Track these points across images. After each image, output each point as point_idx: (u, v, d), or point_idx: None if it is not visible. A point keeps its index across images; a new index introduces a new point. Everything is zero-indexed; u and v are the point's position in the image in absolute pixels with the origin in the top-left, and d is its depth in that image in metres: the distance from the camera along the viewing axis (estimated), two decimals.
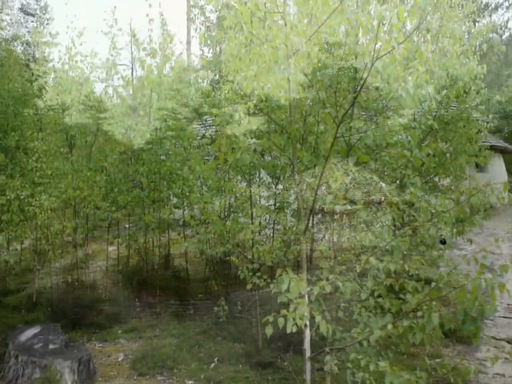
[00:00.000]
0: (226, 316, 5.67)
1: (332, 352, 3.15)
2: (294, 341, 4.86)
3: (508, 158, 29.49)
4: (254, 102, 3.94)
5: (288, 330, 2.52)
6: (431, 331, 2.60)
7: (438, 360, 5.25)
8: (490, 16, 42.27)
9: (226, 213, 6.26)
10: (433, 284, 2.77)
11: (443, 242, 11.06)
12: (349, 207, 3.85)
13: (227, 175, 6.20)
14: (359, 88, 3.13)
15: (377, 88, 3.62)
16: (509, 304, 7.54)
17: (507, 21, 41.83)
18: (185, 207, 7.56)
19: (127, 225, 8.40)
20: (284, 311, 2.51)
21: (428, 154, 3.51)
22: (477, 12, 7.52)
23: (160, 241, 7.62)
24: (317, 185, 3.18)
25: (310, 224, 5.98)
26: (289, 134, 3.42)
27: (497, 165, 28.85)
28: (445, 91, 4.08)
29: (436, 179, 7.98)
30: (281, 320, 2.60)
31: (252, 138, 3.48)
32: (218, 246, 5.48)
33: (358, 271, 3.11)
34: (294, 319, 2.44)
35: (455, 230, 6.77)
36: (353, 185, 3.60)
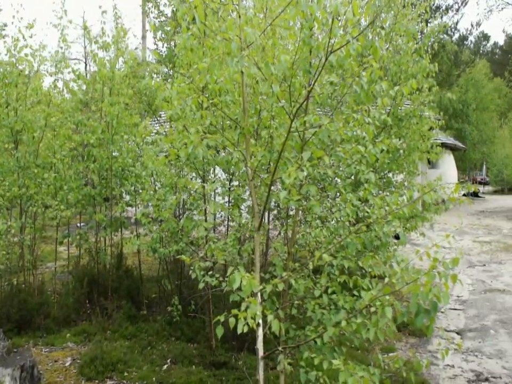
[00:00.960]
0: (179, 315, 5.51)
1: (285, 351, 3.09)
2: (249, 339, 4.79)
3: (457, 155, 30.88)
4: (207, 95, 3.81)
5: (239, 331, 2.42)
6: (384, 326, 2.59)
7: (391, 354, 5.35)
8: (441, 17, 43.88)
9: (180, 211, 6.07)
10: (386, 280, 2.75)
11: (397, 237, 11.47)
12: (304, 203, 3.80)
13: (181, 172, 6.02)
14: (313, 82, 3.07)
15: (332, 83, 3.58)
16: (458, 296, 7.84)
17: (457, 23, 43.66)
18: (139, 205, 7.30)
19: (79, 224, 8.02)
20: (235, 311, 2.41)
21: (382, 150, 3.49)
22: (429, 13, 7.65)
23: (113, 240, 7.33)
24: (270, 181, 3.10)
25: (266, 221, 5.95)
26: (242, 129, 3.32)
27: (448, 162, 30.16)
28: (397, 87, 4.09)
29: (390, 175, 8.16)
30: (232, 320, 2.50)
31: (204, 133, 3.34)
32: (171, 244, 5.31)
33: (311, 268, 3.05)
34: (245, 319, 2.35)
35: (408, 225, 6.97)
36: (308, 181, 3.55)
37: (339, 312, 2.92)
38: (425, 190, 3.15)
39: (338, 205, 3.61)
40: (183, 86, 3.86)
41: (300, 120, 3.09)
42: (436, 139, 27.01)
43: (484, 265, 10.29)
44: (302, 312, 3.35)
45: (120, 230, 7.32)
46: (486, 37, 73.17)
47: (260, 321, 2.97)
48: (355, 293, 3.01)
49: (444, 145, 28.82)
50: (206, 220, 4.96)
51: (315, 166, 3.17)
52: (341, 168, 3.89)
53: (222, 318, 2.65)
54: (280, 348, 2.98)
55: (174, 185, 5.27)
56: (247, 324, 2.45)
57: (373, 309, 2.58)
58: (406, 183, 8.15)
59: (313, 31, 3.45)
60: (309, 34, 3.24)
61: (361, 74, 3.41)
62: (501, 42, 68.54)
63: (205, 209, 4.88)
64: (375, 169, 6.88)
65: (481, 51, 66.20)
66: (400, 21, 6.81)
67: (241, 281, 2.44)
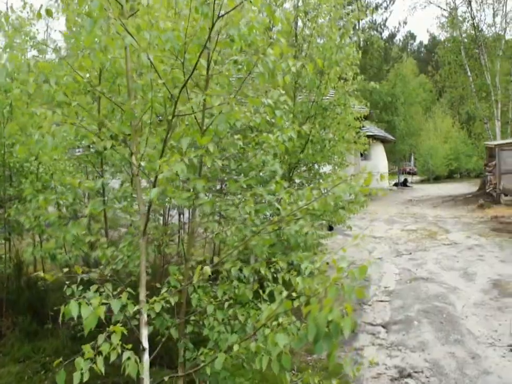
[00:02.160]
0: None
1: (176, 378, 2.60)
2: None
3: (387, 147, 32.07)
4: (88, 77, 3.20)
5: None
6: (278, 356, 2.14)
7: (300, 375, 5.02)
8: (372, 15, 45.45)
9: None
10: (286, 293, 2.34)
11: (330, 228, 11.46)
12: (206, 198, 3.31)
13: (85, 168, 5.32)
14: (198, 55, 2.58)
15: (236, 62, 3.10)
16: (385, 287, 7.81)
17: (386, 20, 45.43)
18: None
19: None
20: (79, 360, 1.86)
21: (290, 138, 3.08)
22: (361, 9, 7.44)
23: (11, 247, 6.42)
24: (155, 176, 2.57)
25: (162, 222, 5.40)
26: (125, 113, 2.76)
27: (379, 153, 31.23)
28: (301, 63, 3.72)
29: (317, 167, 7.93)
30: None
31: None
32: (73, 250, 4.63)
33: (207, 277, 2.58)
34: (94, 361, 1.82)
35: (333, 219, 6.75)
36: (208, 174, 3.08)
37: (239, 331, 2.48)
38: (336, 182, 2.79)
39: (243, 201, 3.16)
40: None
41: (190, 102, 2.59)
42: (367, 131, 27.82)
43: (410, 253, 10.47)
44: (199, 329, 2.88)
45: (21, 235, 6.44)
46: (412, 36, 77.61)
47: (146, 344, 2.46)
48: (259, 304, 2.58)
49: (375, 137, 29.81)
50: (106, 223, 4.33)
51: (210, 156, 2.70)
52: (250, 160, 3.45)
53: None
54: (166, 378, 2.48)
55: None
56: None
57: (267, 331, 2.14)
58: (334, 176, 7.96)
59: None
60: (201, 1, 2.74)
61: (268, 51, 2.97)
62: (426, 42, 72.66)
63: (104, 210, 4.23)
64: (299, 161, 6.59)
65: (408, 49, 69.90)
66: (324, 5, 6.52)
67: (79, 310, 1.86)
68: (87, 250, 4.36)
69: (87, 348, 1.86)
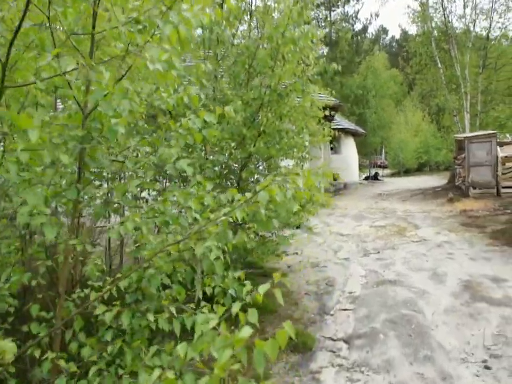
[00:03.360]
0: None
1: None
2: None
3: (358, 141, 31.75)
4: None
5: None
6: None
7: None
8: (343, 6, 45.00)
9: None
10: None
11: (298, 226, 10.84)
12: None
13: None
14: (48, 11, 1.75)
15: (137, 20, 2.27)
16: (350, 292, 7.17)
17: (357, 12, 45.09)
18: None
19: None
20: None
21: (205, 123, 2.28)
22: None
23: None
24: None
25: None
26: None
27: (350, 147, 30.87)
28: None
29: (278, 161, 7.22)
30: None
31: None
32: None
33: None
34: None
35: (291, 220, 6.03)
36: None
37: None
38: (263, 185, 2.02)
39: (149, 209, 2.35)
40: None
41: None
42: (338, 124, 27.23)
43: (378, 252, 9.91)
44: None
45: None
46: (385, 31, 78.43)
47: None
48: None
49: (346, 130, 29.42)
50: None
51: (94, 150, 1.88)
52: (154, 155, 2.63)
53: None
54: None
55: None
56: None
57: None
58: (299, 172, 7.26)
59: None
60: None
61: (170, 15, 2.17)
62: (398, 36, 73.45)
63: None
64: (250, 156, 5.81)
65: (380, 43, 70.40)
66: None
67: None
68: None
69: None
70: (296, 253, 10.14)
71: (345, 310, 6.40)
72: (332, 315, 6.22)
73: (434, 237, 10.99)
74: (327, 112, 7.21)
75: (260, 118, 5.73)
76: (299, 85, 5.73)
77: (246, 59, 5.64)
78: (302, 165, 7.96)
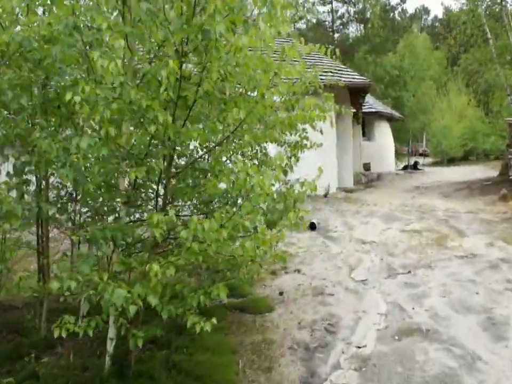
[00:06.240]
0: None
1: None
2: None
3: (395, 126, 28.57)
4: None
5: None
6: None
7: None
8: None
9: None
10: None
11: (312, 227, 9.77)
12: None
13: None
14: None
15: None
16: (358, 346, 4.74)
17: None
18: None
19: None
20: None
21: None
22: None
23: None
24: None
25: None
26: None
27: (385, 133, 27.75)
28: None
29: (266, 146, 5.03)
30: None
31: None
32: None
33: None
34: None
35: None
36: None
37: None
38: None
39: None
40: None
41: None
42: (371, 107, 23.87)
43: (409, 271, 7.39)
44: None
45: None
46: (426, 11, 73.16)
47: None
48: None
49: (379, 114, 26.38)
50: None
51: None
52: None
53: None
54: None
55: None
56: None
57: None
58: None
59: None
60: None
61: None
62: (440, 15, 68.40)
63: None
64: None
65: (422, 24, 65.68)
66: None
67: None
68: None
69: None
70: (298, 270, 7.77)
71: None
72: None
73: (486, 250, 8.25)
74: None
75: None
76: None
77: None
78: (295, 156, 5.63)
